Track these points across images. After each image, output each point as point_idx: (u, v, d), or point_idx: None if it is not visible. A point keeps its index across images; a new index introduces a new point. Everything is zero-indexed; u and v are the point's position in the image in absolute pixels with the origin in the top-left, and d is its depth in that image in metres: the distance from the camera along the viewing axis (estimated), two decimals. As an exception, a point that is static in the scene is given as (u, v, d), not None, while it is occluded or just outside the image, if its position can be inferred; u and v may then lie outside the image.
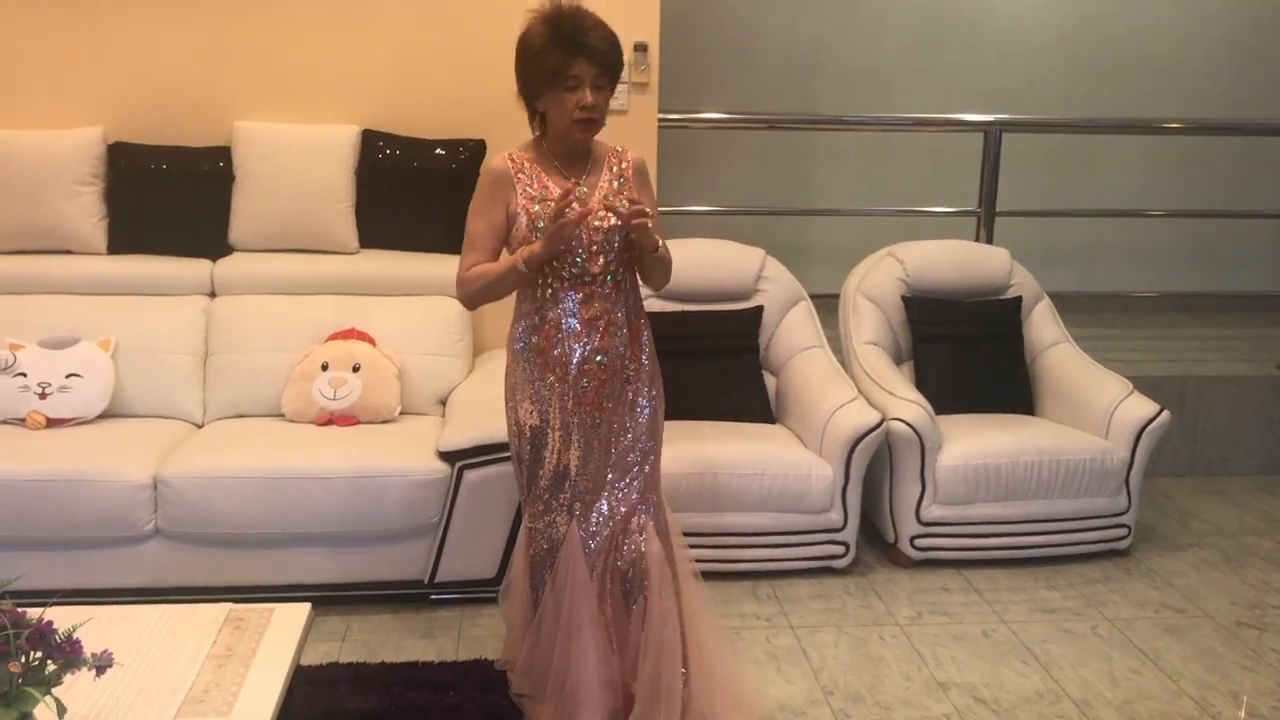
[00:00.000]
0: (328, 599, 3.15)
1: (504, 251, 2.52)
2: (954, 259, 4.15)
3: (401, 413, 3.50)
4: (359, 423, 3.43)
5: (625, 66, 2.46)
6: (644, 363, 2.53)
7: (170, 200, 3.73)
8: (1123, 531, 3.70)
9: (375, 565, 3.20)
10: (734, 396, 3.77)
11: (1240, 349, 5.00)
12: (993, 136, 4.83)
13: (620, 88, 2.52)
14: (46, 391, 3.35)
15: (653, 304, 3.59)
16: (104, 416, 3.42)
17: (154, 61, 3.82)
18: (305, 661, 2.61)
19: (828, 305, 4.15)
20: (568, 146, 2.46)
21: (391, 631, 3.13)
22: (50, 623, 1.68)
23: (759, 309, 3.93)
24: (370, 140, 3.84)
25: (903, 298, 4.04)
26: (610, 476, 2.50)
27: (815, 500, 3.42)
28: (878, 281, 4.05)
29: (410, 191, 3.84)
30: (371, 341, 3.56)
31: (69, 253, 3.72)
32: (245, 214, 3.76)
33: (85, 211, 3.69)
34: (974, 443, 3.57)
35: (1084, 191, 5.74)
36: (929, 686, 2.91)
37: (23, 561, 2.96)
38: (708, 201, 5.16)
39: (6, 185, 3.63)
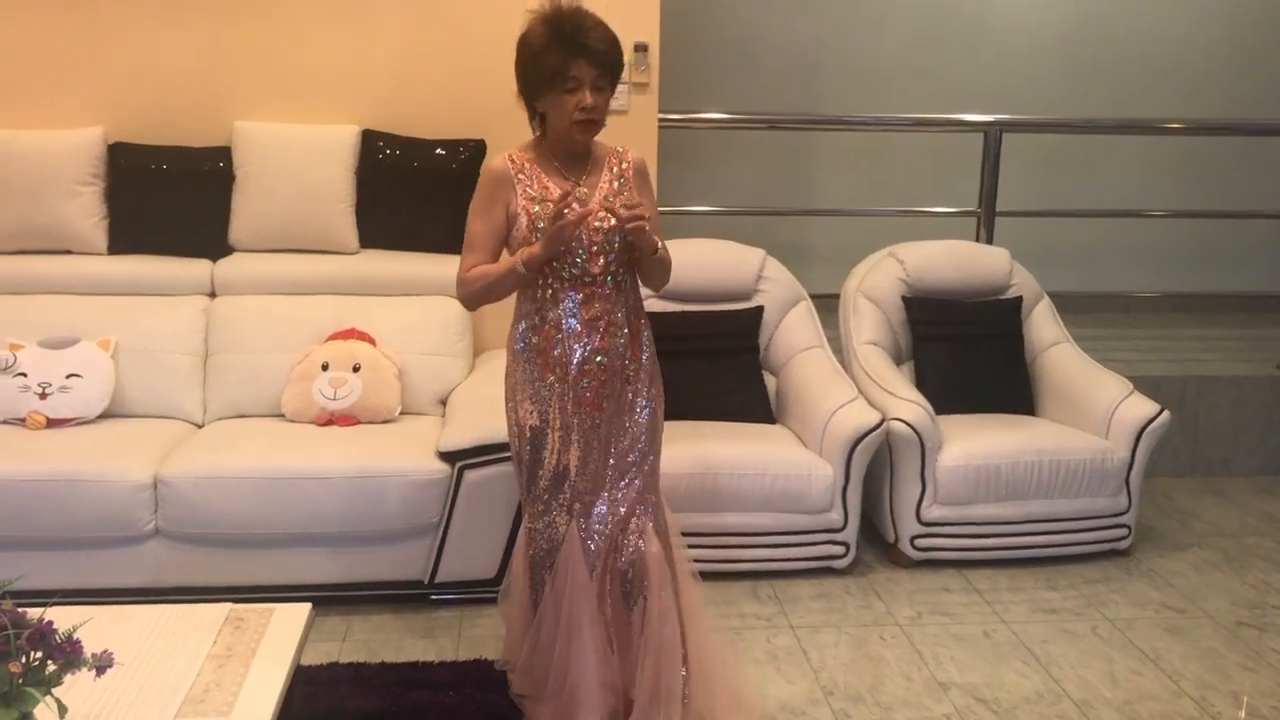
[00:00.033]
0: (328, 599, 3.14)
1: (504, 252, 2.52)
2: (954, 259, 4.15)
3: (402, 413, 3.50)
4: (359, 423, 3.43)
5: (625, 67, 2.46)
6: (644, 363, 2.53)
7: (170, 200, 3.73)
8: (1123, 532, 3.70)
9: (375, 565, 3.20)
10: (734, 397, 3.76)
11: (1241, 349, 5.00)
12: (993, 137, 4.83)
13: (620, 88, 2.52)
14: (47, 391, 3.35)
15: (653, 304, 3.59)
16: (104, 416, 3.42)
17: (154, 61, 3.82)
18: (305, 661, 2.61)
19: (828, 305, 4.14)
20: (568, 147, 2.46)
21: (392, 631, 3.13)
22: (51, 623, 1.68)
23: (759, 309, 3.93)
24: (370, 140, 3.84)
25: (903, 298, 4.04)
26: (610, 477, 2.50)
27: (815, 500, 3.42)
28: (878, 281, 4.05)
29: (410, 191, 3.84)
30: (372, 341, 3.56)
31: (69, 253, 3.72)
32: (245, 214, 3.76)
33: (85, 211, 3.69)
34: (974, 443, 3.57)
35: (1084, 191, 5.74)
36: (929, 687, 2.91)
37: (23, 561, 2.96)
38: (708, 202, 5.17)
39: (6, 185, 3.63)
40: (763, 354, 3.93)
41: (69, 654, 1.67)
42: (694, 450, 3.38)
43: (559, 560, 2.49)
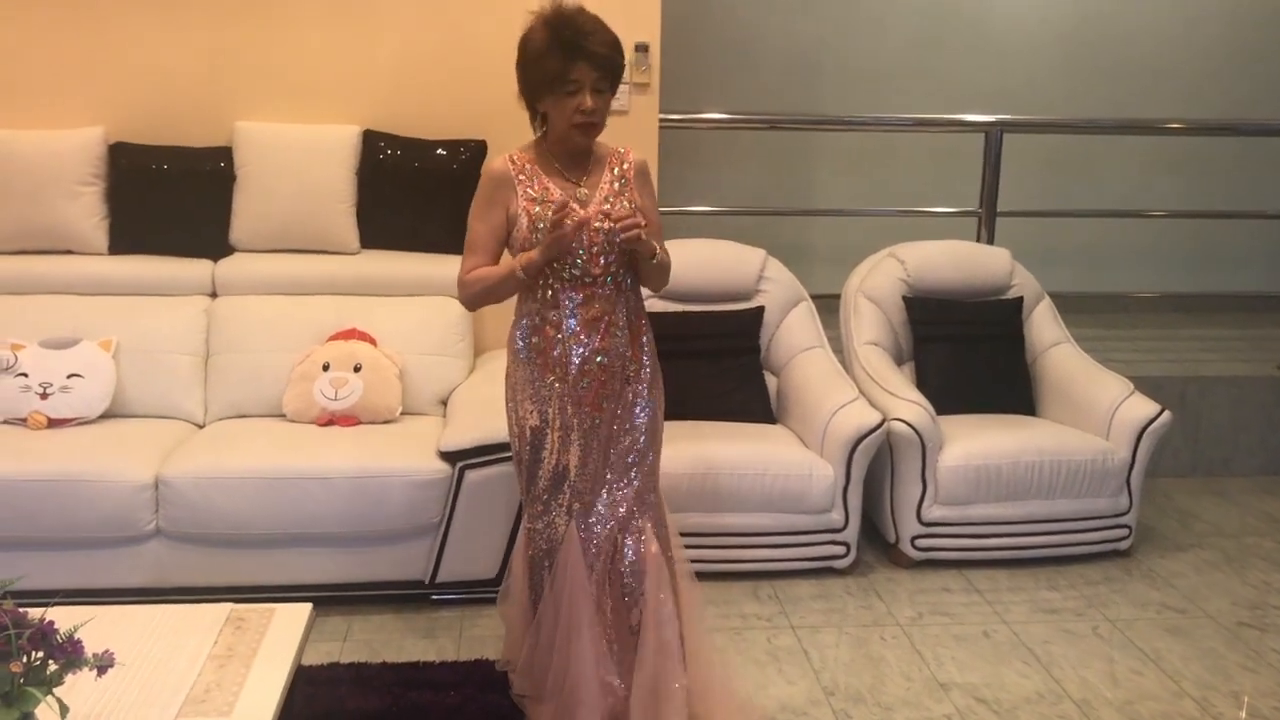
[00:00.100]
0: (329, 599, 3.14)
1: (506, 253, 2.52)
2: (955, 259, 4.15)
3: (402, 413, 3.50)
4: (360, 423, 3.43)
5: (626, 67, 2.46)
6: (644, 363, 2.53)
7: (171, 200, 3.73)
8: (1124, 532, 3.70)
9: (376, 565, 3.21)
10: (735, 397, 3.77)
11: (1241, 349, 5.00)
12: (993, 137, 4.84)
13: (621, 88, 2.51)
14: (48, 392, 3.35)
15: (654, 304, 3.60)
16: (105, 417, 3.42)
17: (155, 61, 3.82)
18: (306, 661, 2.61)
19: (829, 305, 4.15)
20: (568, 148, 2.46)
21: (393, 632, 3.13)
22: (52, 623, 1.68)
23: (760, 309, 3.93)
24: (371, 140, 3.84)
25: (904, 298, 4.04)
26: (609, 477, 2.50)
27: (816, 500, 3.42)
28: (879, 282, 4.05)
29: (411, 192, 3.84)
30: (373, 342, 3.56)
31: (70, 253, 3.72)
32: (246, 214, 3.77)
33: (86, 212, 3.69)
34: (975, 443, 3.57)
35: (1084, 191, 5.75)
36: (930, 687, 2.91)
37: (24, 562, 2.96)
38: (709, 202, 5.17)
39: (7, 185, 3.63)
40: (763, 354, 3.93)
41: (70, 654, 1.67)
42: (694, 450, 3.38)
43: (558, 560, 2.49)
